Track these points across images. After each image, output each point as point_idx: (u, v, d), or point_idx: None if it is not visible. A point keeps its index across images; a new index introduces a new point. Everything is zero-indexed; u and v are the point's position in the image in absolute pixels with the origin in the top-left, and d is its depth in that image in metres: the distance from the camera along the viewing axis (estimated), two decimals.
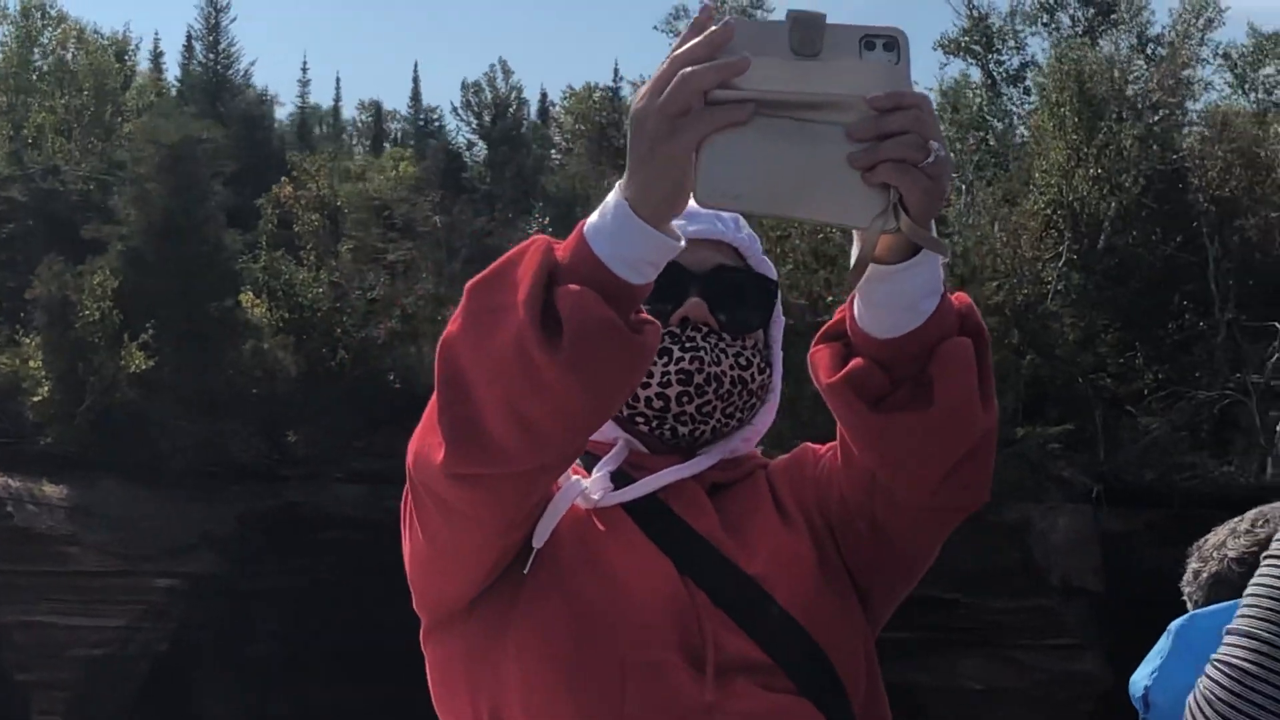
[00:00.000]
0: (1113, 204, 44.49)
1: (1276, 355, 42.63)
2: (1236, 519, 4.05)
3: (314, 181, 46.28)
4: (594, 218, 2.39)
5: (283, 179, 46.85)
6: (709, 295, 2.84)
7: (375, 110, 79.00)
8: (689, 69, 2.22)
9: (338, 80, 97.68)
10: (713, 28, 2.22)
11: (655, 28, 59.06)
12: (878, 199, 2.24)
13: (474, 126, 68.52)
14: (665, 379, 2.81)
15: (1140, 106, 46.99)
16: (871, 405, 2.57)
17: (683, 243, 2.39)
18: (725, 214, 2.85)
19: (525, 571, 2.72)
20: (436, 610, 2.83)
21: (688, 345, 2.82)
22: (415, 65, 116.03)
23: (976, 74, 55.83)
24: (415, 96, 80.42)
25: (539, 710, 2.69)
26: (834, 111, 2.22)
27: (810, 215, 2.30)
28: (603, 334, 2.35)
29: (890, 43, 2.23)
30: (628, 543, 2.76)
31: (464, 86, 68.94)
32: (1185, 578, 4.02)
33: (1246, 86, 56.32)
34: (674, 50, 2.25)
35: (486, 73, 70.03)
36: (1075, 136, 43.98)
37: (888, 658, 2.93)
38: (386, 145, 72.43)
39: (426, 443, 2.53)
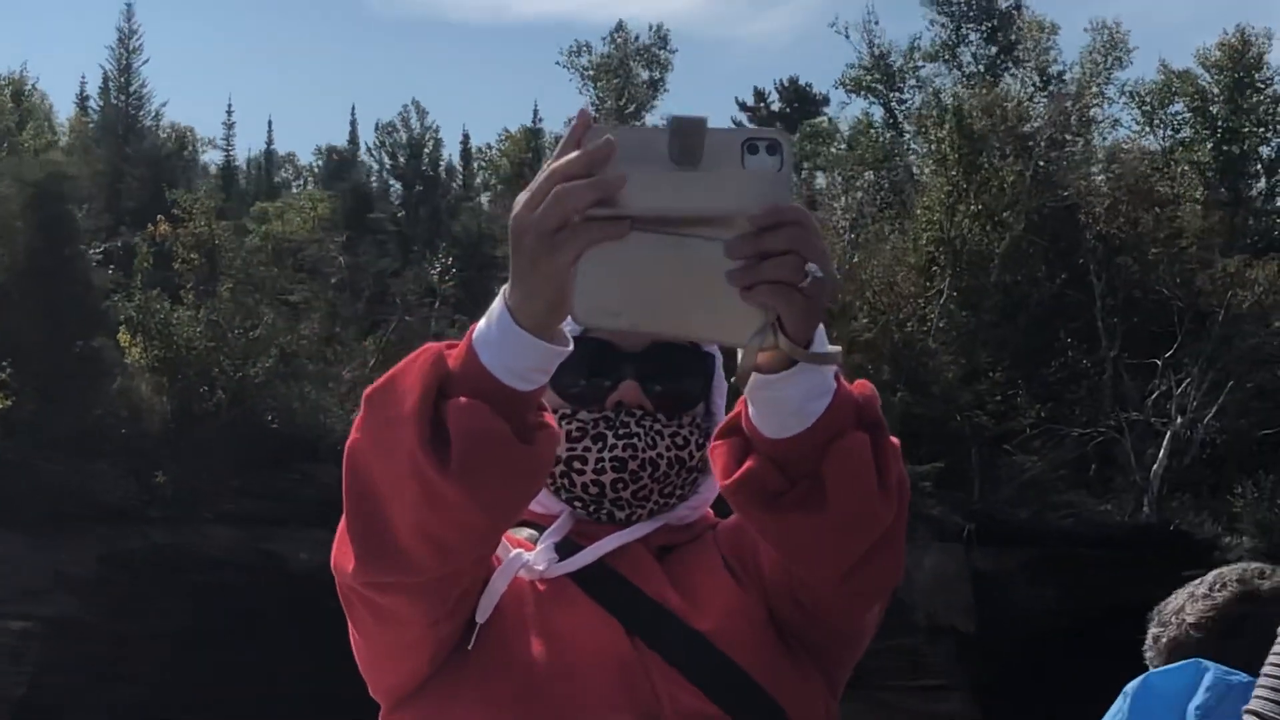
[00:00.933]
0: (1003, 241, 44.19)
1: (1156, 392, 42.26)
2: (1195, 582, 4.00)
3: (192, 220, 45.76)
4: (481, 325, 2.38)
5: (159, 217, 46.40)
6: (643, 375, 2.81)
7: (328, 153, 78.79)
8: (565, 185, 2.20)
9: (269, 124, 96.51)
10: (593, 143, 2.18)
11: (557, 63, 58.44)
12: (756, 316, 2.21)
13: (388, 167, 68.37)
14: (599, 466, 2.80)
15: (1036, 143, 46.68)
16: (767, 505, 2.52)
17: (570, 347, 2.37)
18: None
19: (469, 648, 2.69)
20: (389, 697, 2.80)
21: (621, 431, 2.79)
22: (353, 108, 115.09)
23: (879, 112, 55.75)
24: (353, 139, 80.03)
25: None
26: (713, 227, 2.19)
27: (689, 333, 2.31)
28: (491, 446, 2.35)
29: (773, 146, 2.20)
30: (573, 609, 2.74)
31: (378, 127, 68.84)
32: (1146, 642, 3.99)
33: (1155, 123, 56.13)
34: (552, 161, 2.21)
35: (400, 113, 69.77)
36: (954, 173, 43.67)
37: None
38: None
39: (341, 551, 2.53)
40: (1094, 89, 53.39)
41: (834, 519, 2.49)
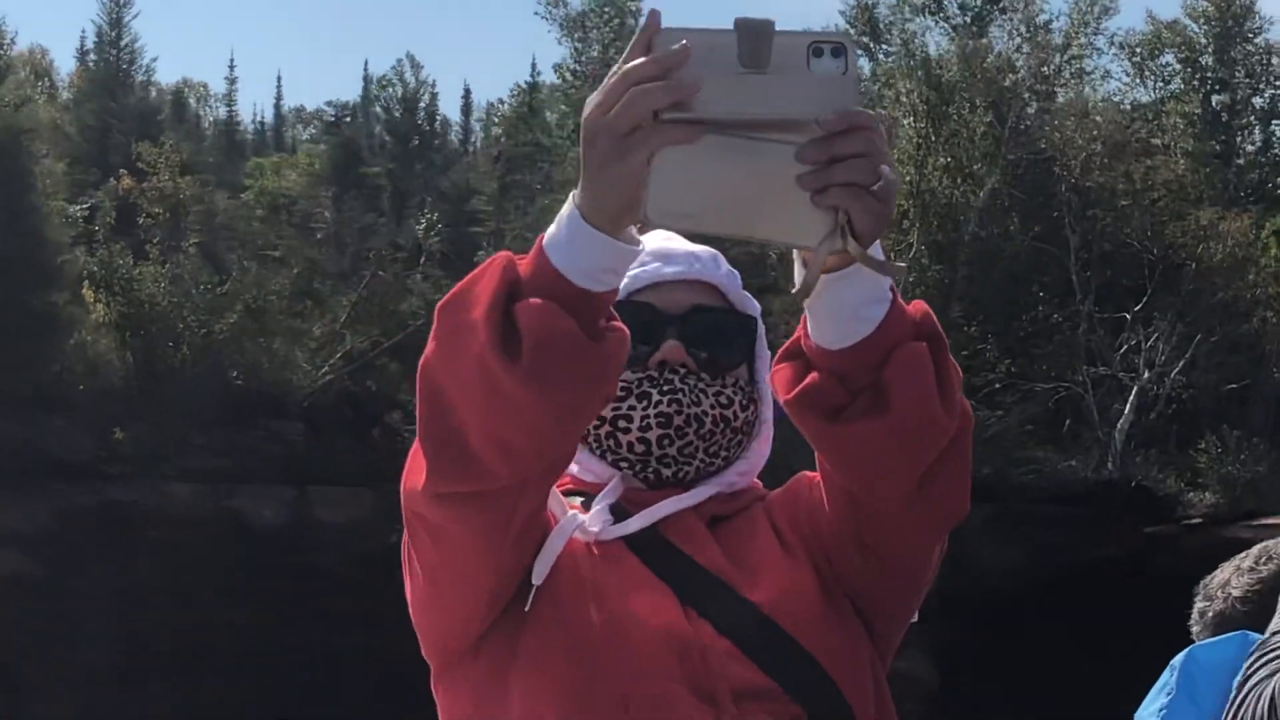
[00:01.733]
0: (979, 194, 43.58)
1: (1125, 347, 41.67)
2: (1241, 555, 4.04)
3: (156, 174, 45.42)
4: (551, 229, 2.42)
5: (121, 171, 46.09)
6: (686, 336, 2.87)
7: (345, 110, 78.49)
8: (639, 88, 2.23)
9: (279, 79, 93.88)
10: (668, 47, 2.21)
11: (535, 14, 57.72)
12: (825, 220, 2.25)
13: (382, 121, 67.94)
14: (645, 423, 2.84)
15: (1017, 95, 45.94)
16: (829, 418, 2.57)
17: (641, 247, 2.41)
18: (702, 252, 2.95)
19: (526, 609, 2.72)
20: (443, 653, 2.83)
21: (665, 388, 2.85)
22: (365, 64, 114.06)
23: (866, 66, 54.95)
24: (366, 96, 79.66)
25: None
26: (784, 130, 2.22)
27: (760, 235, 2.31)
28: (561, 344, 2.38)
29: (837, 49, 2.22)
30: (628, 575, 2.77)
31: (373, 81, 68.49)
32: (1192, 616, 4.05)
33: (1145, 75, 55.32)
34: (623, 63, 2.24)
35: (394, 67, 69.35)
36: (923, 125, 43.04)
37: None
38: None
39: (412, 468, 2.58)
40: (1082, 39, 52.67)
41: (898, 425, 2.53)
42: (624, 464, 2.88)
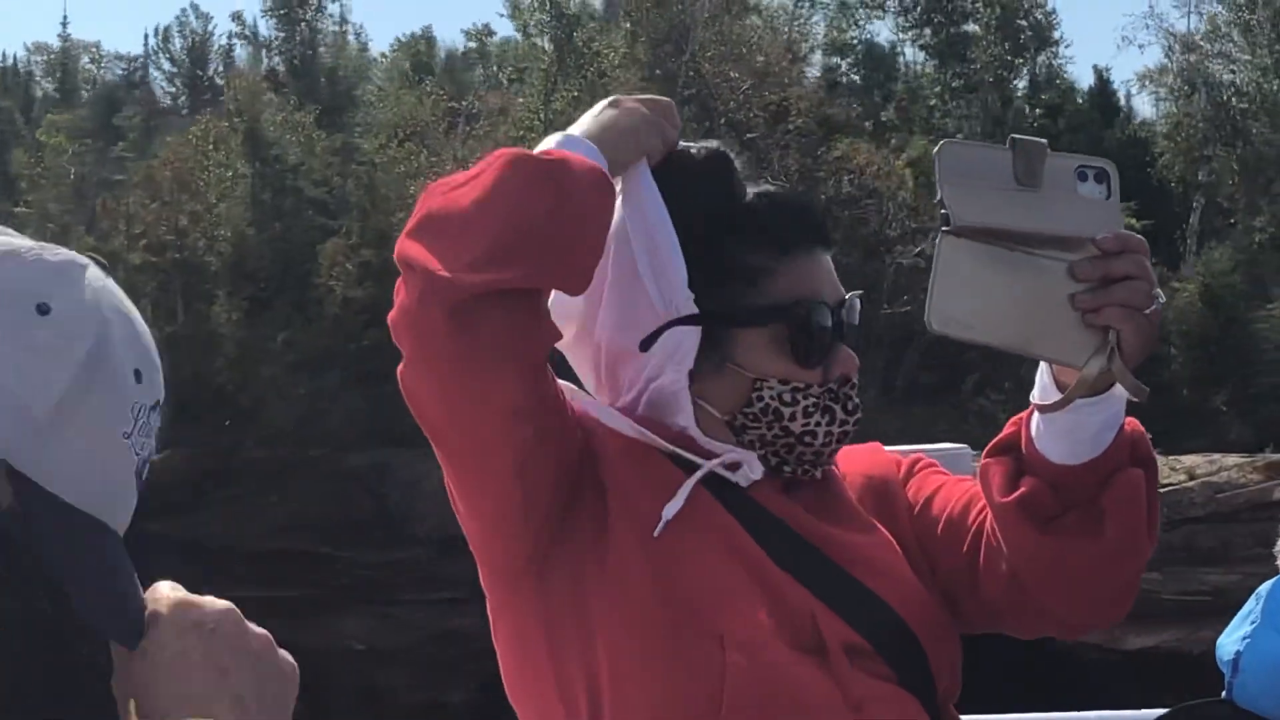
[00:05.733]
0: None
1: None
2: None
3: None
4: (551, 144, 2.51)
5: None
6: (848, 338, 2.72)
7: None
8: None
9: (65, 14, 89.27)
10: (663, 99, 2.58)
11: None
12: (1092, 339, 2.27)
13: (167, 72, 67.03)
14: (828, 439, 2.71)
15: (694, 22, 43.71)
16: (1042, 527, 2.54)
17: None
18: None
19: (655, 535, 2.58)
20: (504, 567, 2.64)
21: (849, 406, 2.71)
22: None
23: None
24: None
25: (628, 675, 2.55)
26: (1058, 247, 2.25)
27: (1034, 351, 2.32)
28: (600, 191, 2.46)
29: (1101, 174, 2.28)
30: (719, 524, 2.64)
31: (156, 32, 67.42)
32: (1277, 545, 3.87)
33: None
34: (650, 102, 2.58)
35: (178, 17, 68.24)
36: (548, 57, 41.35)
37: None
38: None
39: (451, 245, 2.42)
40: None
41: (1109, 549, 2.53)
42: (774, 456, 2.71)
